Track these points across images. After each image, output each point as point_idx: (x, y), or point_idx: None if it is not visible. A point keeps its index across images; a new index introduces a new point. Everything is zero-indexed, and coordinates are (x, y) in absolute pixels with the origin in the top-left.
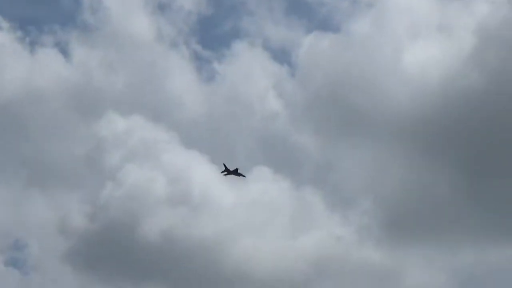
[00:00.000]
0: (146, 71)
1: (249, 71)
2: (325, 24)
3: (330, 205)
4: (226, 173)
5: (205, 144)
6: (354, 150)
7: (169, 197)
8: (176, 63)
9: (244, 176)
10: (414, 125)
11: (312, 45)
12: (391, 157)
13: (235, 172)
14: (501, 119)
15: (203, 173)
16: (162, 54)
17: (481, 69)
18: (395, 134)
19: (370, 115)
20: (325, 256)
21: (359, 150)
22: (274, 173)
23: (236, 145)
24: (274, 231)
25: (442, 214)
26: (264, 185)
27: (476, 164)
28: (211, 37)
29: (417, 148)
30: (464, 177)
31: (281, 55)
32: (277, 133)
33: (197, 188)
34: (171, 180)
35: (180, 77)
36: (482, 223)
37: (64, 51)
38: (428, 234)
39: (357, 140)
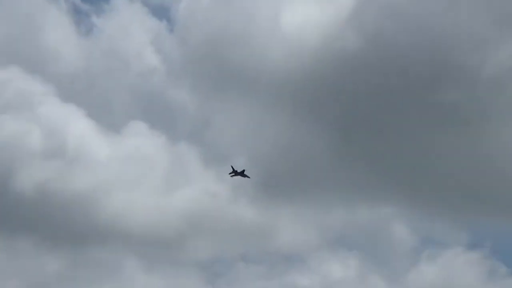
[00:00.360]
0: (24, 22)
1: (128, 26)
2: None
3: (205, 161)
4: (233, 174)
5: (82, 98)
6: (231, 108)
7: (44, 150)
8: (54, 15)
9: (248, 177)
10: (290, 85)
11: (191, 2)
12: (266, 115)
13: (242, 173)
14: (376, 80)
15: (79, 127)
16: (40, 6)
17: (358, 31)
18: (272, 93)
19: (248, 73)
20: (200, 213)
21: (236, 107)
22: (150, 128)
23: (113, 99)
24: (149, 186)
25: (315, 174)
26: (140, 140)
27: (349, 125)
28: None
29: (292, 108)
30: (337, 138)
31: (160, 11)
32: (154, 88)
33: (73, 141)
34: (47, 133)
35: (58, 30)
36: (354, 183)
37: None
38: (301, 193)
39: (234, 98)
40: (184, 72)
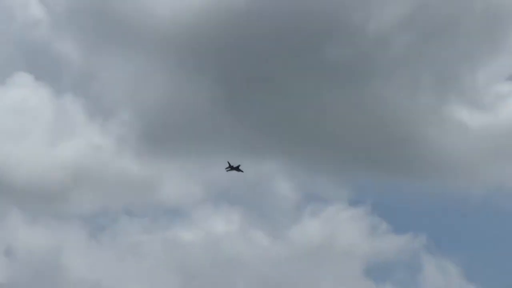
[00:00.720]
0: None
1: None
2: None
3: (90, 114)
4: (229, 169)
5: None
6: (117, 60)
7: None
8: None
9: (242, 171)
10: (177, 39)
11: None
12: (152, 69)
13: (237, 168)
14: (262, 37)
15: None
16: None
17: None
18: (158, 47)
19: (134, 26)
20: (84, 165)
21: (121, 60)
22: (35, 80)
23: None
24: (33, 138)
25: (200, 128)
26: (24, 92)
27: (234, 81)
28: None
29: (178, 62)
30: (223, 93)
31: None
32: (39, 40)
33: None
34: None
35: None
36: (238, 138)
37: None
38: (185, 147)
39: (120, 51)
40: (69, 24)
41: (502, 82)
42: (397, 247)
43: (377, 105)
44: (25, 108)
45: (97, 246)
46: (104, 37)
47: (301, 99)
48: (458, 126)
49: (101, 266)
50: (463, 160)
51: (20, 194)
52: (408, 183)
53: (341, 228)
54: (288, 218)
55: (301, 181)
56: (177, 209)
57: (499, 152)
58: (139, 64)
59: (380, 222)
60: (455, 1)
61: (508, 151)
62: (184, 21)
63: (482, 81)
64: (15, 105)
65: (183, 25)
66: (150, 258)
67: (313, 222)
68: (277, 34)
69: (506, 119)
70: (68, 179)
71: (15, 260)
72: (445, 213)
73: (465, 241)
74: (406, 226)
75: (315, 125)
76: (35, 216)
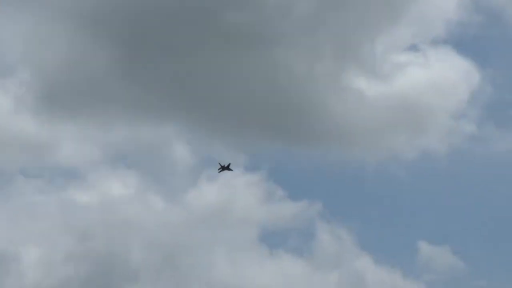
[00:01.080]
0: None
1: None
2: None
3: None
4: (221, 169)
5: None
6: (16, 19)
7: None
8: None
9: (232, 170)
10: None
11: None
12: (52, 29)
13: (227, 168)
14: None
15: None
16: None
17: None
18: (59, 7)
19: None
20: None
21: (20, 19)
22: None
23: None
24: None
25: (99, 90)
26: None
27: (135, 43)
28: None
29: (79, 23)
30: (123, 55)
31: None
32: None
33: None
34: None
35: None
36: (137, 101)
37: None
38: (84, 109)
39: (19, 10)
40: None
41: (400, 53)
42: (292, 213)
43: (276, 71)
44: None
45: None
46: None
47: (201, 64)
48: (355, 95)
49: None
50: (360, 128)
51: None
52: (305, 150)
53: (237, 194)
54: (185, 182)
55: (198, 146)
56: (73, 171)
57: (395, 122)
58: (39, 23)
59: (276, 188)
60: None
61: (403, 121)
62: None
63: (380, 51)
64: None
65: None
66: (45, 219)
67: (210, 187)
68: None
69: (403, 89)
70: None
71: None
72: (340, 181)
73: (360, 210)
74: (302, 193)
75: (214, 90)
76: None
